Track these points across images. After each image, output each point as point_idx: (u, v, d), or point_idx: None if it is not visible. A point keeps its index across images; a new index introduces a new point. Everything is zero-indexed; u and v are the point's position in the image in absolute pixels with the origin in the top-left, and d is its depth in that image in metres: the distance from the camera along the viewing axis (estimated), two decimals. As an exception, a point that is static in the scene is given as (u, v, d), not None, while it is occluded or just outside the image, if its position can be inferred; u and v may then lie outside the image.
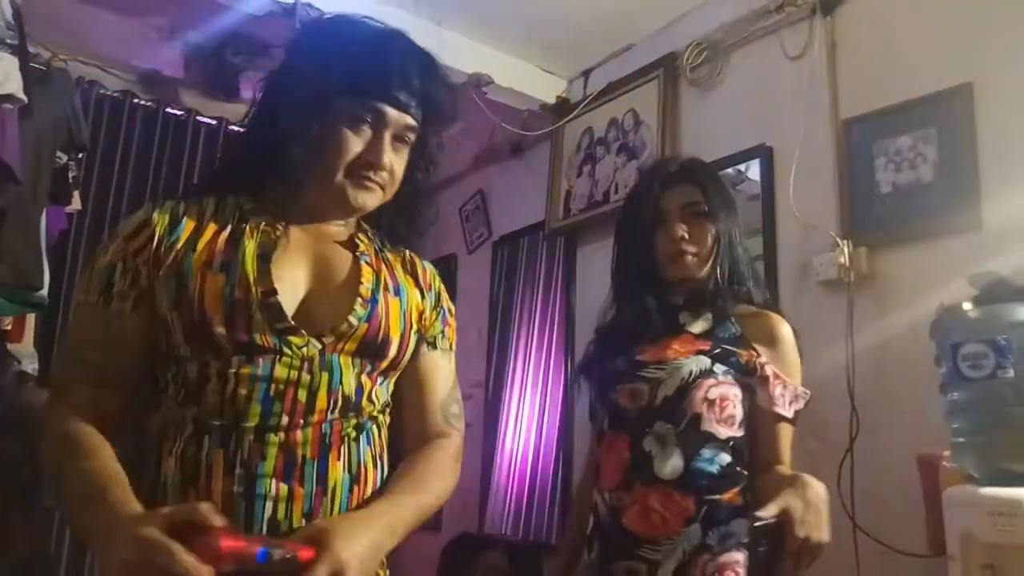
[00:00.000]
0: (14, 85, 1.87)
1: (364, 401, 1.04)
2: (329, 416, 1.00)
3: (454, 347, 1.21)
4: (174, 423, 0.97)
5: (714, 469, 1.36)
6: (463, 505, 3.17)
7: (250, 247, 1.01)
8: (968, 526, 1.34)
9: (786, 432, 1.43)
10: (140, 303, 0.99)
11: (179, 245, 1.00)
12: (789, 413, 1.41)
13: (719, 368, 1.40)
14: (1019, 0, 1.89)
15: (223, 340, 0.96)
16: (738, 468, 1.39)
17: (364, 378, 1.05)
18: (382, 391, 1.09)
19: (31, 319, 2.43)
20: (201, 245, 1.00)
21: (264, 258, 1.01)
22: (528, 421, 3.21)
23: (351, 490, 1.00)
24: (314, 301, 1.03)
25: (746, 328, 1.44)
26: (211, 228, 1.02)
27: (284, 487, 0.95)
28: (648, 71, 2.87)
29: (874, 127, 2.14)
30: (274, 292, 0.99)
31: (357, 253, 1.11)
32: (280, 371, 0.97)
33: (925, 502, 1.63)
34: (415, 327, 1.12)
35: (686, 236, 1.45)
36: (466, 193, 3.75)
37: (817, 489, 1.23)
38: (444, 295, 1.20)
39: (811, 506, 1.20)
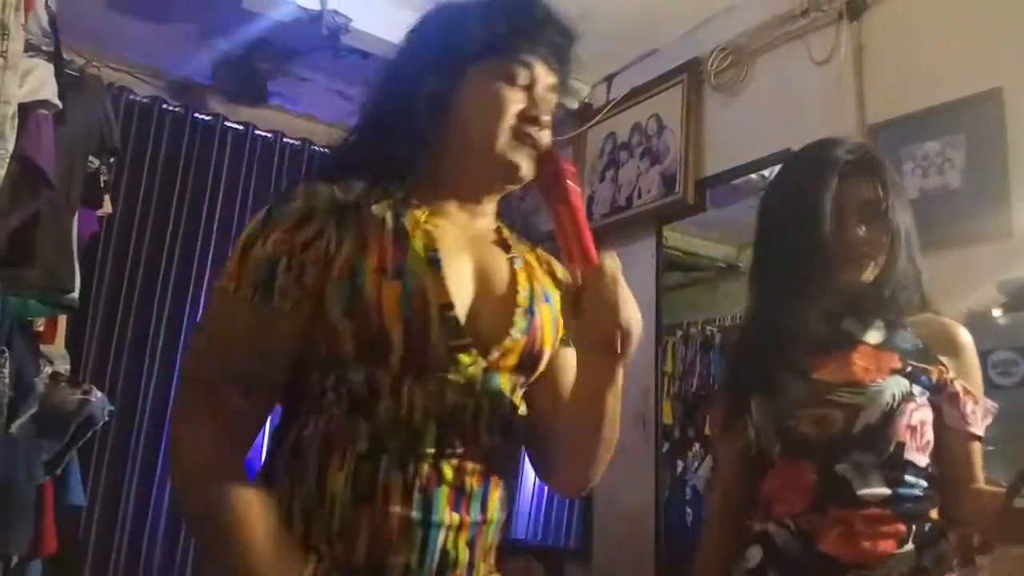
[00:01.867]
0: (49, 91, 1.90)
1: (515, 420, 0.99)
2: (492, 442, 0.95)
3: None
4: (342, 435, 0.90)
5: (918, 491, 1.24)
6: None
7: (418, 247, 0.93)
8: (997, 536, 1.32)
9: (978, 450, 1.29)
10: (300, 304, 0.90)
11: (347, 243, 0.91)
12: (982, 431, 1.29)
13: (916, 389, 1.25)
14: (1050, 4, 1.87)
15: (398, 354, 0.89)
16: (935, 491, 1.26)
17: (516, 394, 0.99)
18: (522, 406, 1.02)
19: (62, 321, 2.48)
20: (371, 243, 0.91)
21: (435, 263, 0.93)
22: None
23: (504, 520, 0.98)
24: (479, 313, 0.95)
25: (925, 338, 1.30)
26: (373, 221, 0.93)
27: (456, 516, 0.90)
28: (672, 76, 2.87)
29: (901, 132, 2.12)
30: (452, 306, 0.92)
31: (510, 256, 1.03)
32: (451, 392, 0.91)
33: (953, 511, 1.61)
34: (561, 334, 1.04)
35: (865, 237, 1.29)
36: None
37: None
38: None
39: None
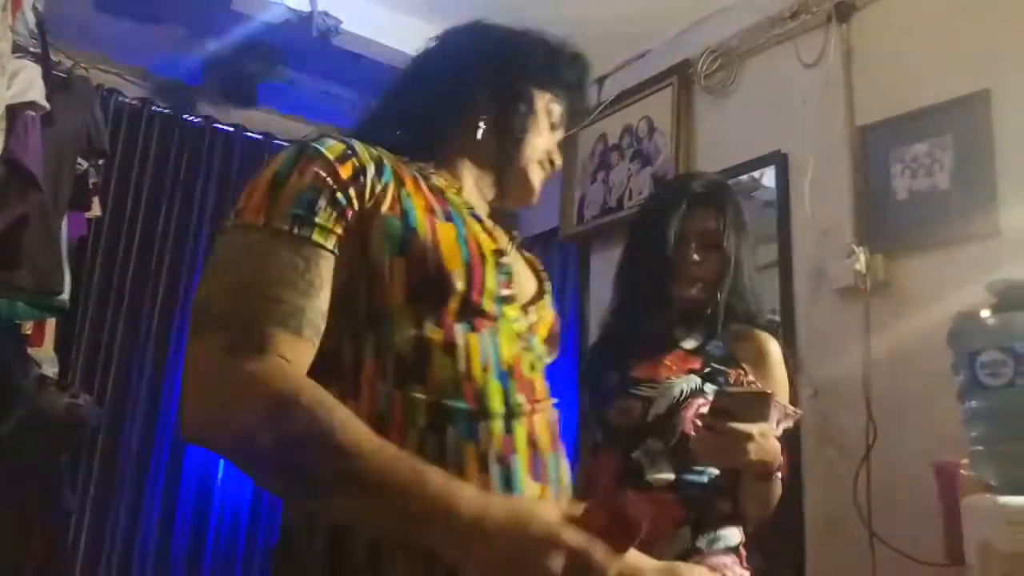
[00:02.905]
0: (37, 93, 1.89)
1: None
2: (550, 400, 0.89)
3: None
4: (395, 412, 0.78)
5: (704, 479, 1.39)
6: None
7: (456, 201, 0.92)
8: (986, 535, 1.33)
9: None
10: (343, 242, 0.79)
11: (392, 183, 0.84)
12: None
13: (709, 387, 1.42)
14: (1037, 7, 1.89)
15: (457, 299, 0.81)
16: (726, 482, 1.39)
17: (544, 369, 0.95)
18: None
19: (51, 324, 2.46)
20: (411, 188, 0.86)
21: (476, 217, 0.92)
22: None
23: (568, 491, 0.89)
24: (518, 273, 0.94)
25: (735, 346, 1.48)
26: (407, 173, 0.89)
27: (536, 486, 0.81)
28: (662, 78, 2.88)
29: (890, 134, 2.13)
30: (504, 252, 0.89)
31: (517, 244, 1.04)
32: (504, 344, 0.84)
33: (942, 511, 1.62)
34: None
35: (698, 261, 1.49)
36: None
37: None
38: None
39: None
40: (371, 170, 0.83)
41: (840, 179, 2.22)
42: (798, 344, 2.28)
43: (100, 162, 2.52)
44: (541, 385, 0.89)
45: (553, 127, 1.08)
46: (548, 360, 0.97)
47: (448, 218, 0.86)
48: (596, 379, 1.55)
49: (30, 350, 2.28)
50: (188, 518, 3.00)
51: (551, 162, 1.08)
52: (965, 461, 1.52)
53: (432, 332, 0.81)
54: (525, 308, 0.92)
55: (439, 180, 0.95)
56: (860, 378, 2.03)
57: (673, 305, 1.51)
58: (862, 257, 2.09)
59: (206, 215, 3.21)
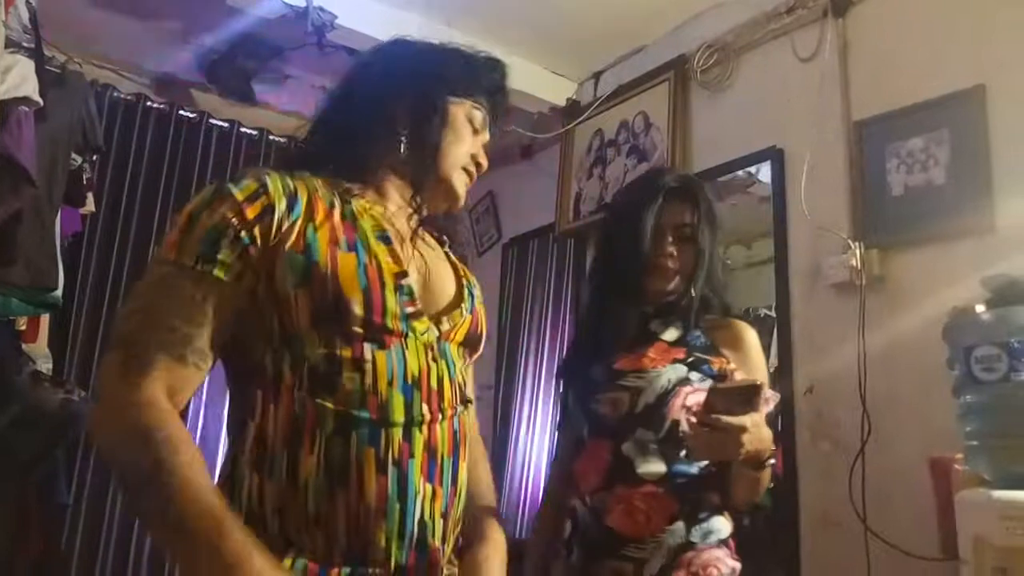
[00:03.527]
0: (30, 88, 1.88)
1: (468, 393, 1.06)
2: (457, 409, 0.98)
3: None
4: (308, 417, 0.88)
5: (694, 470, 1.40)
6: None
7: (368, 227, 0.98)
8: (980, 529, 1.33)
9: None
10: (242, 276, 0.89)
11: (300, 219, 0.92)
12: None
13: (695, 375, 1.44)
14: (1032, 2, 1.89)
15: (358, 322, 0.90)
16: (715, 470, 1.40)
17: (466, 370, 1.07)
18: (469, 384, 1.10)
19: (45, 320, 2.45)
20: (322, 221, 0.94)
21: (385, 239, 0.98)
22: (540, 423, 3.21)
23: (467, 489, 1.02)
24: (428, 287, 1.02)
25: (714, 336, 1.49)
26: (321, 205, 0.96)
27: (429, 486, 0.92)
28: (659, 73, 2.87)
29: (886, 129, 2.13)
30: (405, 274, 0.96)
31: (445, 249, 1.15)
32: (411, 359, 0.93)
33: (937, 505, 1.62)
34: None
35: (674, 254, 1.50)
36: (476, 195, 3.76)
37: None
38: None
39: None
40: (281, 207, 0.91)
41: (836, 174, 2.22)
42: (793, 339, 2.28)
43: (95, 158, 2.52)
44: (450, 394, 0.97)
45: (476, 132, 1.13)
46: (468, 362, 1.09)
47: (351, 248, 0.94)
48: (579, 373, 1.55)
49: (24, 346, 2.28)
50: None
51: (477, 164, 1.13)
52: (959, 456, 1.52)
53: (343, 350, 0.90)
54: (437, 318, 1.00)
55: (361, 203, 1.01)
56: (855, 373, 2.04)
57: (649, 299, 1.52)
58: (857, 252, 2.09)
59: (201, 211, 3.20)
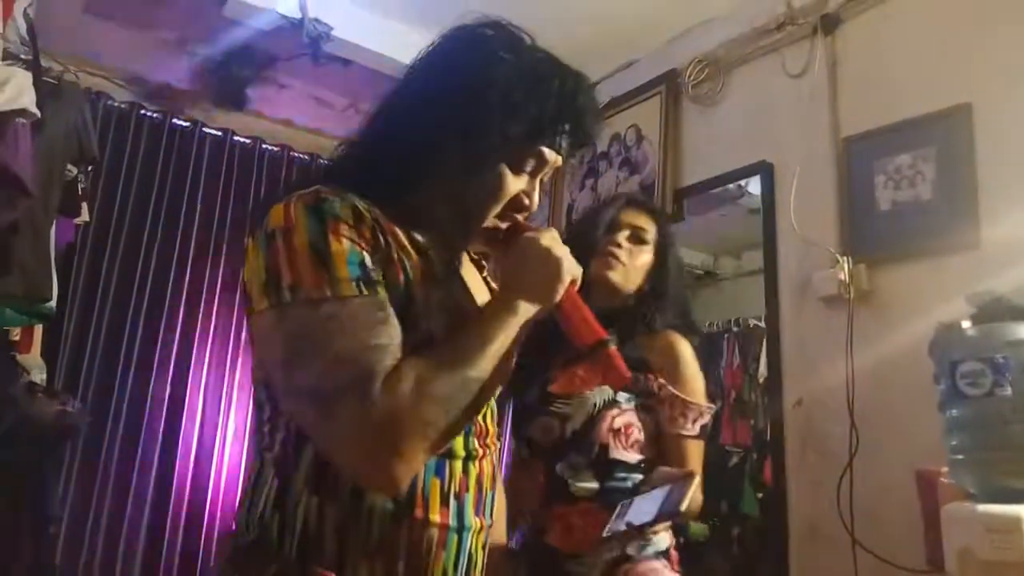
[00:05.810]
0: (27, 100, 1.88)
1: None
2: (496, 443, 1.00)
3: None
4: None
5: (628, 484, 1.43)
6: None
7: (436, 259, 0.92)
8: (966, 543, 1.35)
9: (694, 448, 1.49)
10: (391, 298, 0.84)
11: (389, 247, 0.87)
12: (694, 431, 1.48)
13: (622, 396, 1.47)
14: (1018, 22, 1.92)
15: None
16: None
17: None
18: None
19: (38, 330, 2.45)
20: (399, 252, 0.88)
21: (455, 273, 0.96)
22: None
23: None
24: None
25: (647, 349, 1.52)
26: (391, 230, 0.89)
27: (478, 520, 0.93)
28: (650, 87, 2.91)
29: (874, 145, 2.16)
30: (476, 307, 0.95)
31: (483, 275, 1.11)
32: None
33: (924, 518, 1.65)
34: None
35: (624, 247, 1.56)
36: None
37: None
38: None
39: None
40: (377, 231, 0.87)
41: (824, 189, 2.25)
42: (783, 351, 2.31)
43: (90, 168, 2.52)
44: (492, 430, 0.98)
45: (534, 173, 0.97)
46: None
47: (430, 280, 0.91)
48: (519, 393, 1.58)
49: (18, 357, 2.28)
50: (171, 523, 2.98)
51: (520, 209, 0.97)
52: (945, 469, 1.54)
53: None
54: None
55: (416, 234, 0.93)
56: (844, 386, 2.06)
57: (592, 294, 1.42)
58: (846, 266, 2.12)
59: (195, 219, 3.20)
